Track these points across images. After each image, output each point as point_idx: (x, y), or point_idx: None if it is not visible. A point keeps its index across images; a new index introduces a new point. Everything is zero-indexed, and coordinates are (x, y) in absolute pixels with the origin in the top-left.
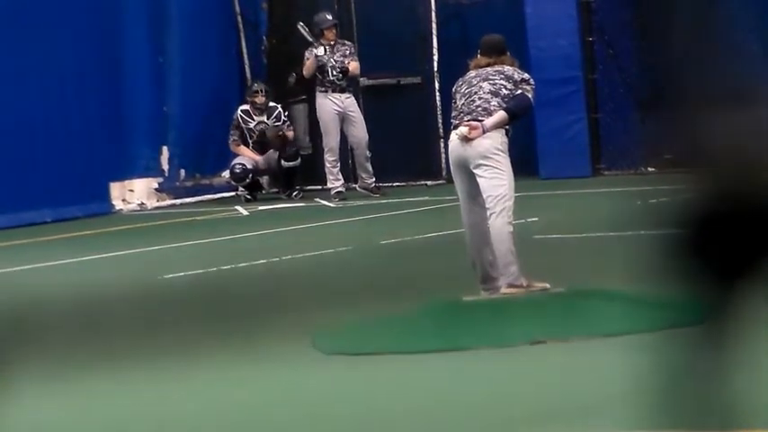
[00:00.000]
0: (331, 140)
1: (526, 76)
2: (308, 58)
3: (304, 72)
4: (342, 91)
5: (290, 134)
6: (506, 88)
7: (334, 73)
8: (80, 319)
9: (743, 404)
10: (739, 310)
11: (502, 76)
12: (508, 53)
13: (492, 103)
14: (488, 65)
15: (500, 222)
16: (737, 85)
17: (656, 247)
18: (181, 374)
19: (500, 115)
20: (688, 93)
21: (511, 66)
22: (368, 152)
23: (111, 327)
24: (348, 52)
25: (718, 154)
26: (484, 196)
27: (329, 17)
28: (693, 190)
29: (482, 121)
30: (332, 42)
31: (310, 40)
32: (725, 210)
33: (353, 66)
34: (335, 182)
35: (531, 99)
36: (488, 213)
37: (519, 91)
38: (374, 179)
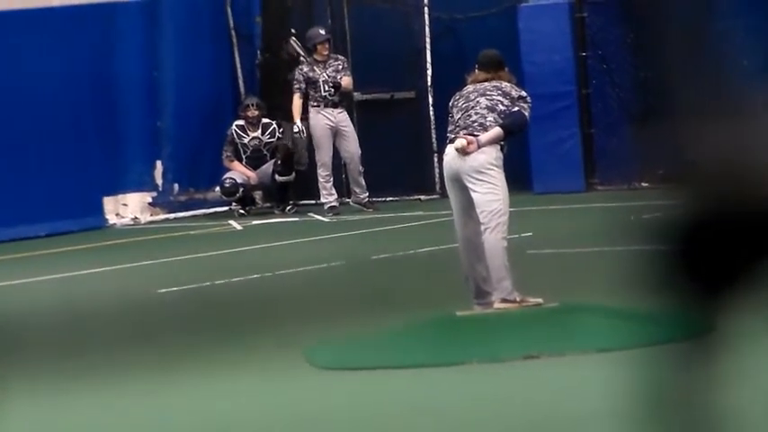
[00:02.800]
0: (324, 155)
1: (523, 93)
2: (295, 91)
3: (293, 109)
4: (334, 106)
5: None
6: (503, 104)
7: (326, 88)
8: (72, 333)
9: (732, 418)
10: (728, 324)
11: (499, 91)
12: (506, 69)
13: (488, 119)
14: (486, 80)
15: (494, 237)
16: (727, 98)
17: (644, 263)
18: (172, 388)
19: (496, 131)
20: (679, 106)
21: (508, 81)
22: (360, 167)
23: (103, 340)
24: (341, 67)
25: (705, 167)
26: (478, 211)
27: (322, 32)
28: (681, 204)
29: (478, 135)
30: (324, 57)
31: (302, 54)
32: (712, 223)
33: (346, 81)
34: (329, 197)
35: (527, 116)
36: (482, 228)
37: (515, 107)
38: (367, 194)
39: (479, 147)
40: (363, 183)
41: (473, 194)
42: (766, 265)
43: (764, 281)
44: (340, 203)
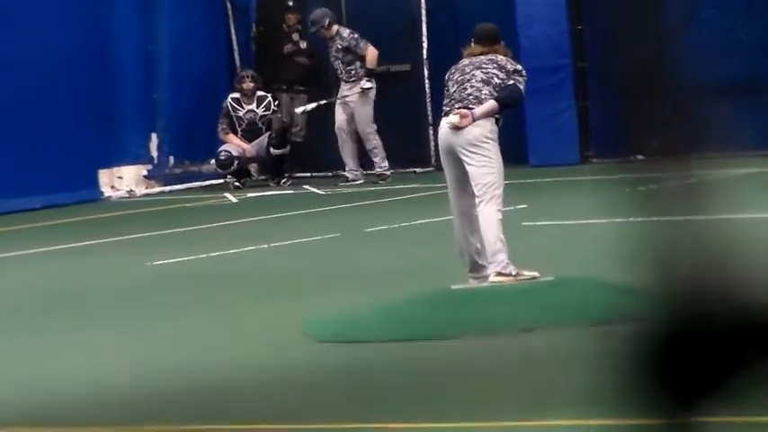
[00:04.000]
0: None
1: (519, 67)
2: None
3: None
4: (345, 81)
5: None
6: (498, 77)
7: (336, 65)
8: (66, 307)
9: None
10: None
11: (495, 65)
12: (502, 42)
13: (483, 92)
14: (482, 53)
15: (489, 210)
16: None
17: (619, 377)
18: (163, 359)
19: (490, 104)
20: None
21: (504, 55)
22: (369, 142)
23: (98, 313)
24: (344, 45)
25: (679, 282)
26: (473, 184)
27: (317, 17)
28: (655, 317)
29: (473, 108)
30: (328, 38)
31: (327, 102)
32: (686, 337)
33: (369, 55)
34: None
35: (523, 90)
36: (477, 201)
37: (511, 81)
38: (382, 168)
39: (474, 120)
40: (376, 157)
41: (468, 167)
42: (741, 379)
43: (739, 395)
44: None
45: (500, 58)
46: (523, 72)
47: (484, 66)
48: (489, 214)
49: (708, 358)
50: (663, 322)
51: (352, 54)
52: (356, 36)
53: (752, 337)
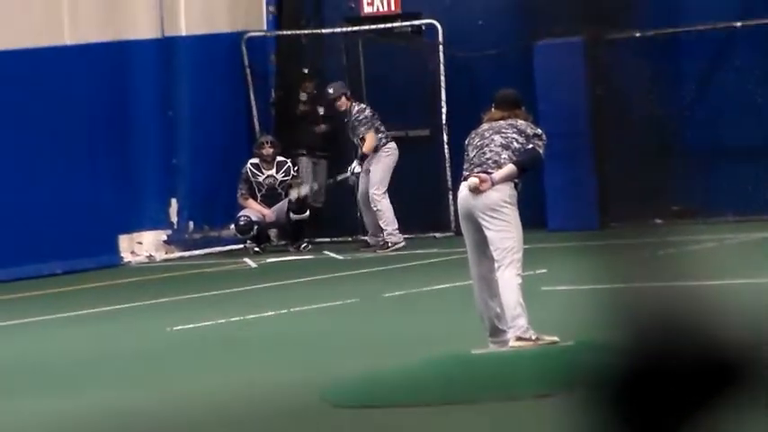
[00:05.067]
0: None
1: (539, 131)
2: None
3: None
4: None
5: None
6: (518, 142)
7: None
8: (86, 372)
9: None
10: None
11: (514, 129)
12: (522, 107)
13: (503, 156)
14: (502, 118)
15: (508, 274)
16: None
17: (582, 411)
18: (183, 421)
19: (509, 168)
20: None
21: (525, 120)
22: (373, 207)
23: (116, 379)
24: (356, 122)
25: (645, 319)
26: (492, 248)
27: (330, 90)
28: (620, 352)
29: (491, 173)
30: (341, 110)
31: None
32: (651, 372)
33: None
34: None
35: (542, 154)
36: (496, 266)
37: (530, 145)
38: (380, 238)
39: (493, 184)
40: (381, 221)
41: (487, 232)
42: (703, 416)
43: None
44: (355, 240)
45: (520, 122)
46: (543, 136)
47: (504, 130)
48: (508, 279)
49: (671, 395)
50: (627, 355)
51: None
52: (361, 118)
53: (715, 374)
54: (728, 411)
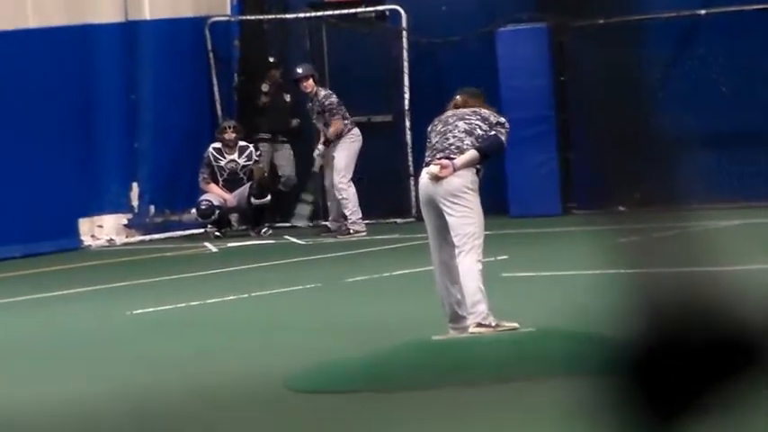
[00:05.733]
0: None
1: (502, 119)
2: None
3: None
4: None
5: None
6: (481, 129)
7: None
8: (45, 356)
9: None
10: None
11: (478, 116)
12: (485, 103)
13: (465, 142)
14: (465, 105)
15: (469, 260)
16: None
17: (598, 391)
18: (144, 406)
19: (471, 154)
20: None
21: (488, 110)
22: (337, 195)
23: (74, 362)
24: (323, 108)
25: (661, 301)
26: (453, 234)
27: (299, 70)
28: (636, 330)
29: (453, 159)
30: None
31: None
32: (667, 349)
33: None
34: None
35: (504, 141)
36: (457, 251)
37: (493, 132)
38: (340, 222)
39: (455, 170)
40: (345, 208)
41: (448, 218)
42: (721, 392)
43: (720, 407)
44: (316, 225)
45: (483, 111)
46: (507, 125)
47: (467, 117)
48: (469, 265)
49: (686, 373)
50: (641, 335)
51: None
52: (327, 103)
53: (728, 352)
54: (745, 391)
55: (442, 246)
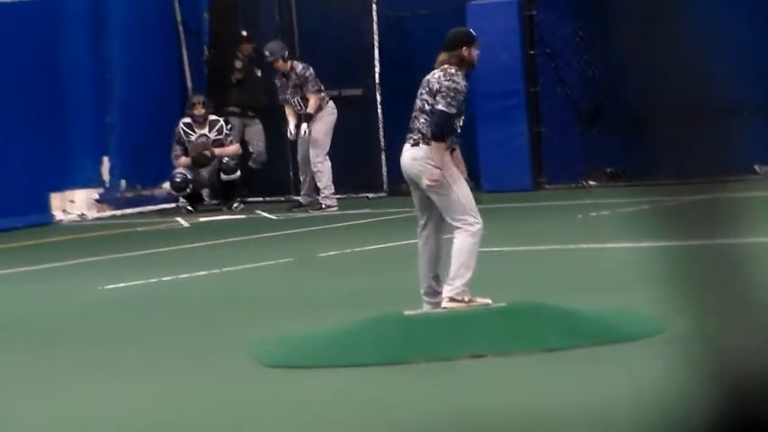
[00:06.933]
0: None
1: (446, 82)
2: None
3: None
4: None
5: (233, 148)
6: (428, 103)
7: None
8: (16, 331)
9: None
10: None
11: (427, 88)
12: (463, 48)
13: (420, 121)
14: (440, 64)
15: (461, 237)
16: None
17: None
18: (114, 386)
19: (434, 147)
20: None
21: (457, 64)
22: (313, 169)
23: (47, 338)
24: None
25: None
26: (445, 217)
27: (268, 53)
28: (709, 413)
29: (418, 142)
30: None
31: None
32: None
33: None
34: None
35: (444, 108)
36: (454, 230)
37: (436, 106)
38: (313, 198)
39: (438, 170)
40: (319, 182)
41: (432, 198)
42: None
43: None
44: (288, 200)
45: (436, 75)
46: (444, 87)
47: (421, 90)
48: (459, 243)
49: None
50: (718, 419)
51: (302, 91)
52: (306, 75)
53: None
54: None
55: (426, 220)
